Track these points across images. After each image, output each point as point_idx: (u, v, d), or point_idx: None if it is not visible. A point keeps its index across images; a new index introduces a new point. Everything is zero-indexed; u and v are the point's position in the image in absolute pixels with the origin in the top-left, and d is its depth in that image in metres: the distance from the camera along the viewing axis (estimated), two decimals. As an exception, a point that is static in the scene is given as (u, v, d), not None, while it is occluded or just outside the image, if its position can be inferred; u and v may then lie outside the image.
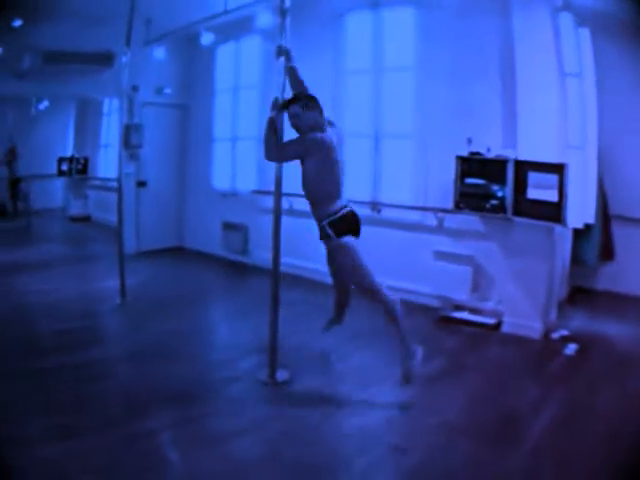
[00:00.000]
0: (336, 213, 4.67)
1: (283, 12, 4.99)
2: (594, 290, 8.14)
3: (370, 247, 7.59)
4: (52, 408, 4.40)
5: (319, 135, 4.60)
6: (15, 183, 14.57)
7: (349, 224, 4.72)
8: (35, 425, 4.10)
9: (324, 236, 4.72)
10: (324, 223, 4.66)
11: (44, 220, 14.85)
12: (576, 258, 7.61)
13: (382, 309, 4.82)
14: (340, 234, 4.65)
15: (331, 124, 4.90)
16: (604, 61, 7.39)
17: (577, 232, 7.36)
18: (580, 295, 7.87)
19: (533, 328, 6.23)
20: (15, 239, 12.56)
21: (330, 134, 4.71)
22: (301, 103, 4.71)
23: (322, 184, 4.66)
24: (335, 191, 4.70)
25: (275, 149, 4.73)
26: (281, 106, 4.84)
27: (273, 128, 4.78)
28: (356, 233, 4.78)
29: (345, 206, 4.73)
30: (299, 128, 4.75)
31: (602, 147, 7.43)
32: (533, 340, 6.16)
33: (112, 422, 4.23)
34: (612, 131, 7.58)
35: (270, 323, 5.08)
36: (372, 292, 4.76)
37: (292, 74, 4.96)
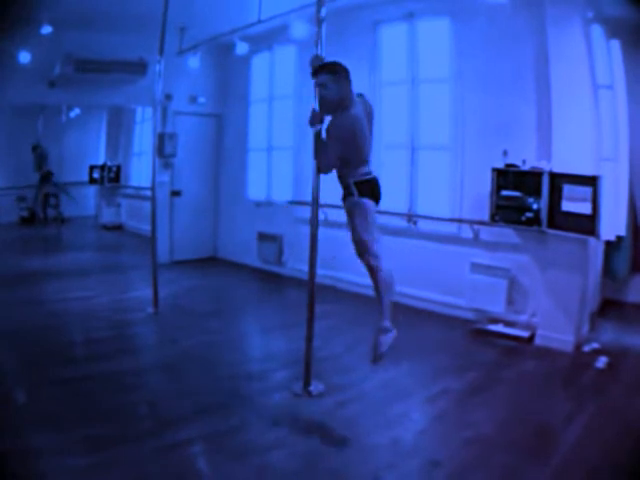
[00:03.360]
0: (363, 175, 4.81)
1: (319, 21, 5.08)
2: (624, 302, 8.17)
3: (406, 259, 7.80)
4: (82, 418, 4.51)
5: (346, 116, 4.69)
6: (46, 177, 14.56)
7: (372, 188, 4.84)
8: (64, 435, 4.20)
9: (348, 194, 4.83)
10: (350, 181, 4.78)
11: (75, 228, 15.04)
12: (607, 270, 7.68)
13: (372, 275, 4.86)
14: (362, 195, 4.77)
15: (361, 96, 5.03)
16: (635, 73, 7.48)
17: (608, 244, 7.44)
18: (611, 307, 7.90)
19: (566, 341, 6.34)
20: (46, 247, 12.77)
21: (359, 107, 4.80)
22: (330, 72, 4.71)
23: (356, 150, 4.76)
24: (365, 157, 4.86)
25: (326, 163, 4.87)
26: (312, 73, 4.87)
27: (321, 143, 4.92)
28: (377, 198, 4.88)
29: (370, 172, 4.88)
30: (325, 99, 4.76)
31: (633, 159, 7.54)
32: (565, 353, 6.26)
33: (143, 433, 4.32)
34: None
35: (306, 336, 5.16)
36: (368, 254, 4.77)
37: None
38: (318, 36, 5.09)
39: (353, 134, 4.69)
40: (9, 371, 5.43)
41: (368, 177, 4.84)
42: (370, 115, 4.98)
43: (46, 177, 14.46)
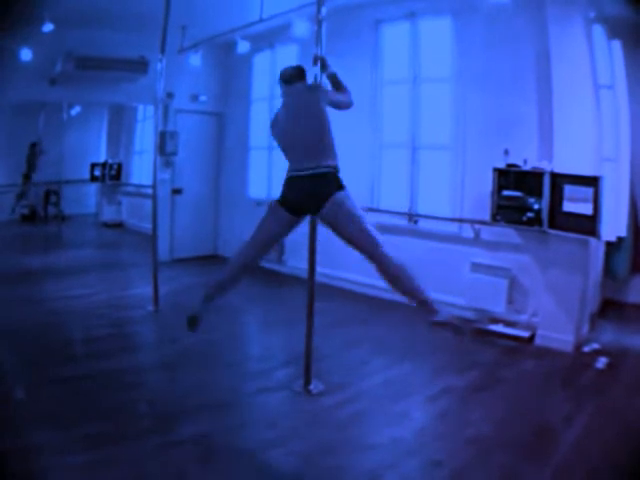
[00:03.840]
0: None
1: (319, 21, 5.12)
2: (625, 303, 8.20)
3: (406, 258, 7.75)
4: (82, 416, 4.51)
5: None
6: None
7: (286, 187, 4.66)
8: (63, 433, 4.21)
9: (337, 187, 4.41)
10: (336, 173, 4.50)
11: (76, 226, 15.03)
12: (607, 271, 7.71)
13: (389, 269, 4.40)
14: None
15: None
16: (636, 73, 7.51)
17: (608, 245, 7.47)
18: (611, 308, 7.93)
19: (566, 341, 6.37)
20: (46, 244, 12.77)
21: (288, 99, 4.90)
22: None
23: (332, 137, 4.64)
24: (292, 150, 4.71)
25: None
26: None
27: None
28: (288, 202, 4.65)
29: (299, 169, 4.59)
30: None
31: (634, 159, 7.56)
32: (565, 353, 6.29)
33: (143, 431, 4.32)
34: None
35: (306, 334, 5.20)
36: (374, 238, 4.38)
37: (333, 80, 4.97)
38: (318, 35, 5.12)
39: (279, 128, 4.81)
40: (9, 369, 5.44)
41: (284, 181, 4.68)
42: (311, 102, 4.67)
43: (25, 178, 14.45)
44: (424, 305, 4.36)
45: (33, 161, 14.22)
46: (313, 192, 4.45)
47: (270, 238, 4.89)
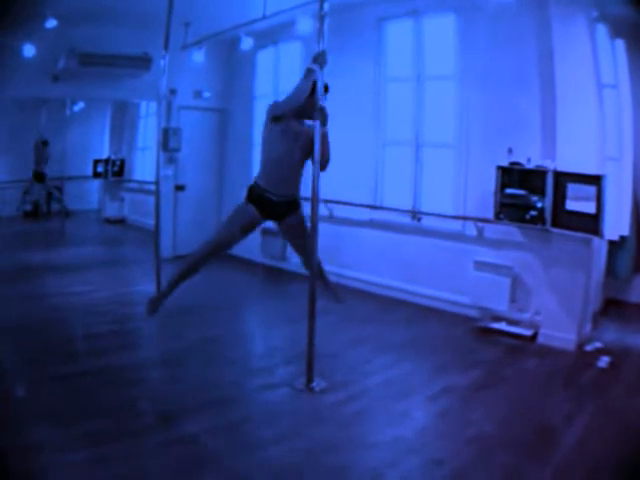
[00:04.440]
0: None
1: (321, 18, 5.12)
2: (627, 302, 8.20)
3: (410, 255, 7.82)
4: (82, 413, 4.51)
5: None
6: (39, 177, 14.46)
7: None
8: (64, 430, 4.21)
9: (295, 208, 5.52)
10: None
11: (79, 222, 15.04)
12: (610, 270, 7.70)
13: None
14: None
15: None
16: (639, 73, 7.51)
17: (611, 244, 7.46)
18: (613, 307, 7.93)
19: (568, 340, 6.37)
20: (49, 240, 12.78)
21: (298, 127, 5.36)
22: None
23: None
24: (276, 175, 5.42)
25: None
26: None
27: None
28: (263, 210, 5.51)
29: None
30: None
31: (637, 159, 7.56)
32: (568, 352, 6.29)
33: (144, 429, 4.33)
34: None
35: (308, 332, 5.20)
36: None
37: (305, 73, 5.14)
38: (320, 32, 5.14)
39: (272, 138, 5.31)
40: (10, 366, 5.44)
41: (261, 192, 5.42)
42: (307, 145, 5.32)
43: (39, 178, 14.44)
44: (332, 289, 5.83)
45: (42, 158, 14.23)
46: (283, 212, 5.50)
47: (234, 234, 5.72)
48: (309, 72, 5.06)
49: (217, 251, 5.87)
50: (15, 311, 7.07)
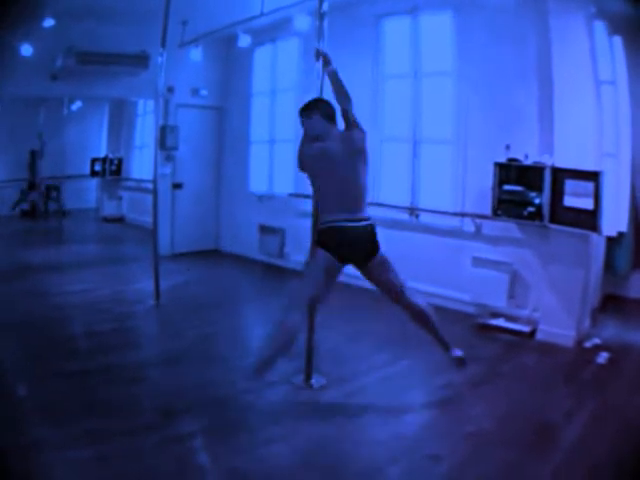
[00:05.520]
0: (327, 223, 4.65)
1: (321, 15, 5.12)
2: (626, 298, 8.20)
3: (407, 252, 7.82)
4: (82, 411, 4.51)
5: (314, 146, 4.81)
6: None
7: (333, 237, 4.64)
8: (64, 428, 4.20)
9: (377, 248, 4.71)
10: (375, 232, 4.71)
11: (76, 221, 15.04)
12: (608, 266, 7.69)
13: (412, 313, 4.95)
14: (321, 245, 4.66)
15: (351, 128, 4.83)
16: (637, 69, 7.52)
17: (609, 240, 7.44)
18: (611, 303, 7.92)
19: (567, 336, 6.37)
20: (47, 239, 12.80)
21: (333, 143, 4.73)
22: (321, 114, 4.77)
23: (319, 189, 4.84)
24: (335, 201, 4.68)
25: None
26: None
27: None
28: (338, 252, 4.64)
29: (340, 219, 4.62)
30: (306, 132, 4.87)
31: (635, 155, 7.55)
32: (566, 348, 6.28)
33: (144, 426, 4.32)
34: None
35: (307, 329, 5.18)
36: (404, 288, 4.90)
37: (334, 78, 4.77)
38: (319, 30, 5.13)
39: (314, 167, 4.77)
40: (11, 364, 5.44)
41: (332, 225, 4.60)
42: (356, 149, 4.75)
43: (30, 186, 14.50)
44: (440, 340, 4.97)
45: (32, 168, 14.28)
46: (368, 243, 4.68)
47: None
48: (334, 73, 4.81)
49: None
50: (17, 309, 7.11)
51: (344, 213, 4.58)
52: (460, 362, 4.93)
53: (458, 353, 4.91)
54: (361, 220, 4.61)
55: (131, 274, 9.49)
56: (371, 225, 4.66)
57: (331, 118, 4.80)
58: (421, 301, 4.91)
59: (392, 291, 4.87)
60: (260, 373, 4.69)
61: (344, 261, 4.63)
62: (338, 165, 4.65)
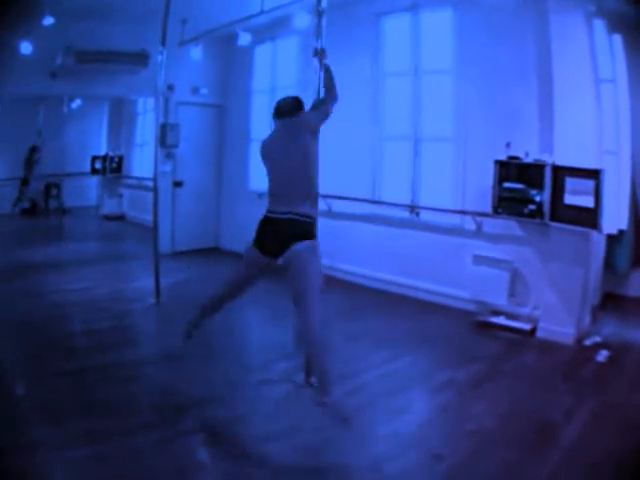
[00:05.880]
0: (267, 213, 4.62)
1: (320, 13, 5.11)
2: (626, 296, 8.20)
3: (408, 250, 7.80)
4: (81, 410, 4.51)
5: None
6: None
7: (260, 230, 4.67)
8: (63, 428, 4.20)
9: (307, 235, 4.42)
10: (313, 221, 4.51)
11: (77, 218, 15.03)
12: (608, 264, 7.69)
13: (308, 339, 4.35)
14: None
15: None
16: (636, 67, 7.52)
17: (609, 238, 7.45)
18: (611, 301, 7.92)
19: (567, 334, 6.38)
20: (47, 237, 12.78)
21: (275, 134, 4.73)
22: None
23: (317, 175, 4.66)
24: (276, 188, 4.64)
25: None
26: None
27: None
28: (262, 245, 4.69)
29: (275, 210, 4.56)
30: None
31: (635, 153, 7.55)
32: (566, 346, 6.29)
33: (143, 425, 4.33)
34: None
35: (308, 330, 5.13)
36: (314, 310, 4.36)
37: (326, 74, 4.88)
38: (318, 28, 5.12)
39: (264, 160, 4.76)
40: (11, 362, 5.44)
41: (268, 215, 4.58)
42: (302, 135, 4.53)
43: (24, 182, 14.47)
44: (322, 383, 4.30)
45: (29, 165, 14.25)
46: (286, 235, 4.45)
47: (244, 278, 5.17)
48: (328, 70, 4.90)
49: (233, 291, 5.35)
50: (17, 307, 7.11)
51: (275, 206, 4.54)
52: (322, 405, 4.22)
53: (326, 400, 4.21)
54: (286, 213, 4.44)
55: (131, 272, 9.49)
56: (292, 219, 4.41)
57: (296, 108, 4.65)
58: (317, 335, 4.30)
59: (296, 302, 4.53)
60: (187, 334, 5.12)
61: (266, 253, 4.65)
62: (278, 161, 4.61)
